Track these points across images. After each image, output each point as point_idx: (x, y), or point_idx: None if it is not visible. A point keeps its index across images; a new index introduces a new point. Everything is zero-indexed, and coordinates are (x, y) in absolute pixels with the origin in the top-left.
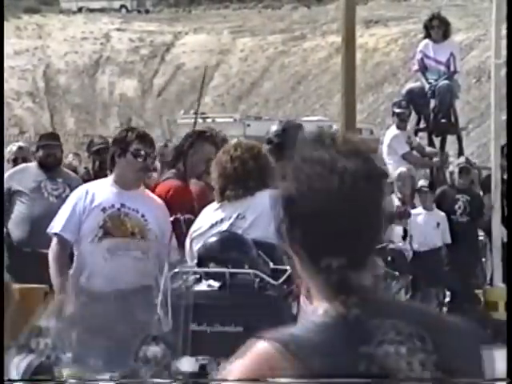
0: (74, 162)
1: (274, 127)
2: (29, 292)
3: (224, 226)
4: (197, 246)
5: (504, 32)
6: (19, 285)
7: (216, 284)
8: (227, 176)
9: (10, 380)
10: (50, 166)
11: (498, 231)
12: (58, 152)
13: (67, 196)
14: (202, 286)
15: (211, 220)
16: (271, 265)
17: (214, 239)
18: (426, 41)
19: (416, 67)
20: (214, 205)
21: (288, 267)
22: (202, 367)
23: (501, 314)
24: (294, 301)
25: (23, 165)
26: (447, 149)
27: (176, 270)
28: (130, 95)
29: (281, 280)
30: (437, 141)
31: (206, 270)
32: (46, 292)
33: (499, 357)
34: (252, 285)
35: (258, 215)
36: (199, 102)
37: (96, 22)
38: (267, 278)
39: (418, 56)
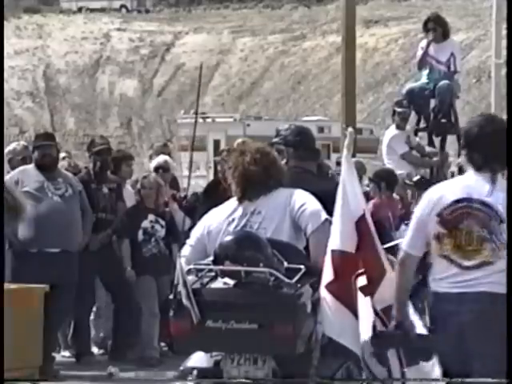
0: (71, 161)
1: (287, 130)
2: (29, 292)
3: (242, 222)
4: (215, 242)
5: (504, 32)
6: (19, 285)
7: (231, 282)
8: (251, 176)
9: (9, 380)
10: (47, 166)
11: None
12: (54, 152)
13: (70, 195)
14: (218, 284)
15: (229, 217)
16: (285, 264)
17: (229, 238)
18: (427, 41)
19: (417, 62)
20: (232, 202)
21: (302, 266)
22: (217, 364)
23: None
24: (309, 299)
25: (22, 167)
26: (447, 149)
27: (190, 267)
28: (130, 95)
29: (295, 279)
30: (437, 141)
31: (221, 267)
32: (45, 292)
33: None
34: (267, 283)
35: (272, 210)
36: (198, 101)
37: (96, 22)
38: (282, 277)
39: (419, 52)
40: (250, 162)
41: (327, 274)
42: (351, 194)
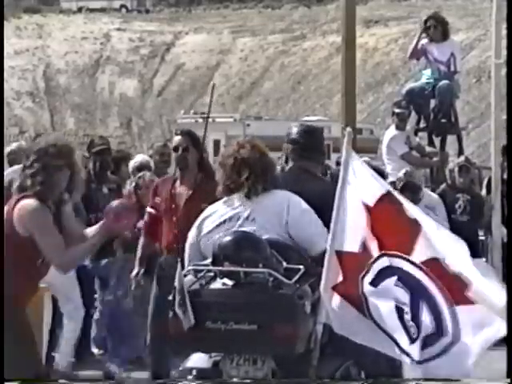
0: None
1: (296, 128)
2: None
3: (234, 227)
4: (209, 242)
5: (504, 32)
6: None
7: (230, 282)
8: (257, 173)
9: (9, 380)
10: None
11: (498, 231)
12: None
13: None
14: (217, 285)
15: (221, 218)
16: (284, 264)
17: (228, 238)
18: (427, 40)
19: (410, 52)
20: (233, 199)
21: (301, 266)
22: (216, 364)
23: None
24: (308, 299)
25: (15, 166)
26: (447, 149)
27: (190, 268)
28: (130, 95)
29: (294, 279)
30: (437, 141)
31: (220, 268)
32: (45, 292)
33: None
34: (266, 283)
35: (267, 220)
36: (210, 103)
37: (96, 22)
38: (281, 277)
39: (420, 47)
40: (255, 158)
41: (334, 276)
42: (363, 189)
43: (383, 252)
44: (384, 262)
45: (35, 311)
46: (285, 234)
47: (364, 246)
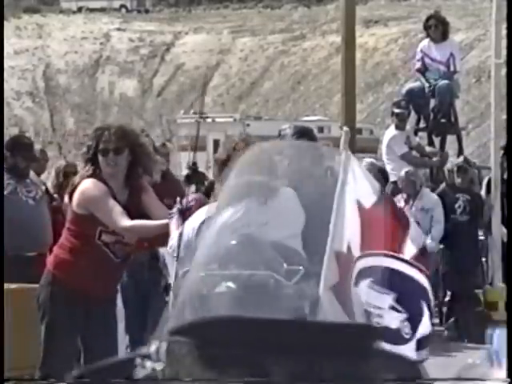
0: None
1: (291, 129)
2: (29, 292)
3: (252, 229)
4: (213, 247)
5: (504, 32)
6: (19, 285)
7: (233, 286)
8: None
9: (9, 380)
10: (20, 169)
11: (498, 231)
12: (30, 159)
13: (40, 197)
14: (222, 288)
15: (233, 220)
16: (285, 265)
17: (231, 242)
18: (427, 41)
19: (417, 66)
20: (236, 204)
21: (301, 267)
22: None
23: (501, 314)
24: (307, 300)
25: None
26: (447, 149)
27: (187, 269)
28: (130, 95)
29: (294, 280)
30: (437, 141)
31: (223, 272)
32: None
33: None
34: (267, 285)
35: (282, 221)
36: (202, 102)
37: (96, 22)
38: (281, 279)
39: (419, 56)
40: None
41: (333, 277)
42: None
43: (363, 253)
44: (363, 263)
45: (34, 311)
46: (298, 233)
47: (350, 247)
